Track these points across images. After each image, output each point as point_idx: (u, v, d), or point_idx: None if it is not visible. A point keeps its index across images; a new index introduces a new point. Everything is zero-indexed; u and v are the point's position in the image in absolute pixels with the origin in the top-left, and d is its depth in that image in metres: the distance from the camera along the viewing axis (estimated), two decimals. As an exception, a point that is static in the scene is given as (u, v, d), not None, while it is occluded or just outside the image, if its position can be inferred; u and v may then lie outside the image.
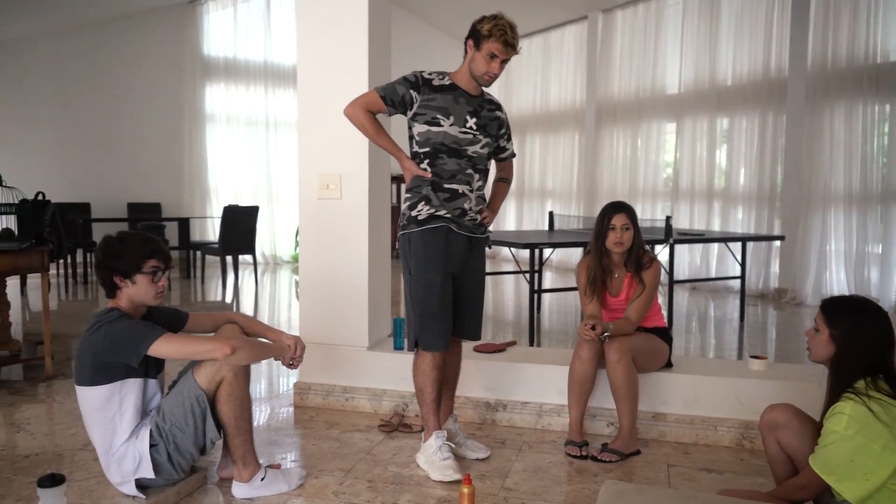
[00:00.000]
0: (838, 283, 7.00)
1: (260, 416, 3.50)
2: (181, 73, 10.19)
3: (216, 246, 8.04)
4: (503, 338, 4.91)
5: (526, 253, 5.61)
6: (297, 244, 9.82)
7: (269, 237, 10.62)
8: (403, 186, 2.84)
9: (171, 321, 2.58)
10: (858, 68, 6.69)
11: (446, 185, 2.74)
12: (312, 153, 3.57)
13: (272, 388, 4.13)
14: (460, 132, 2.73)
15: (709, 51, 8.14)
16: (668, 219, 5.74)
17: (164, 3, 9.93)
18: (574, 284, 3.50)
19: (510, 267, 9.36)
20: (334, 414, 3.51)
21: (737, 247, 6.57)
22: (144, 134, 10.07)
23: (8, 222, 4.13)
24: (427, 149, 2.74)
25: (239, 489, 2.51)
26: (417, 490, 2.60)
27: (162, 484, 2.44)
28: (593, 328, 2.92)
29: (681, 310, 6.78)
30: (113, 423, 2.37)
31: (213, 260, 9.13)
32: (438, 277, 2.72)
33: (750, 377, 3.16)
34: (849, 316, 2.04)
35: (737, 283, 6.77)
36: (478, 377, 3.41)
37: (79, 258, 8.48)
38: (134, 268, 2.36)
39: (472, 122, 2.75)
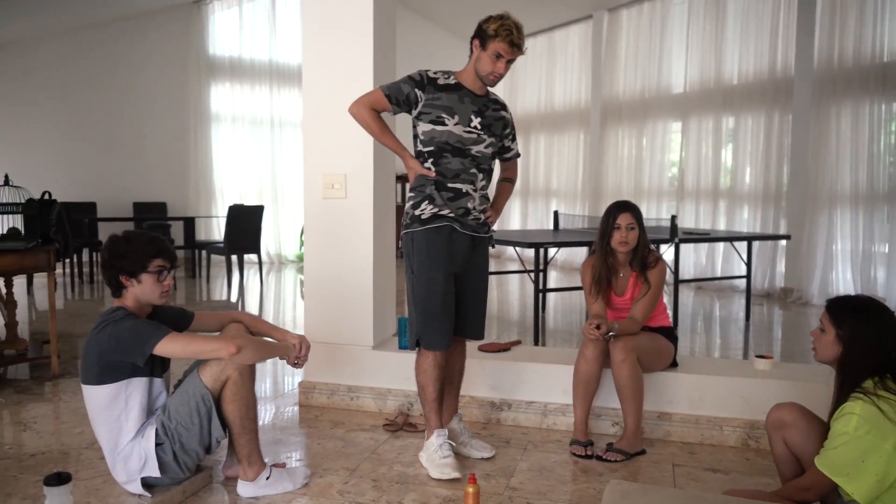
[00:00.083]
0: (844, 282, 6.97)
1: (265, 415, 3.51)
2: (186, 73, 10.22)
3: (221, 245, 8.06)
4: (508, 337, 4.91)
5: (531, 252, 5.59)
6: (301, 243, 9.85)
7: (274, 237, 10.63)
8: (408, 186, 2.84)
9: (177, 320, 2.59)
10: (865, 67, 6.66)
11: (450, 185, 2.74)
12: (317, 153, 3.58)
13: (277, 387, 4.14)
14: (465, 131, 2.73)
15: (714, 50, 8.11)
16: (673, 218, 5.73)
17: (170, 2, 9.96)
18: (579, 284, 3.49)
19: (515, 266, 9.34)
20: (339, 413, 3.51)
21: (742, 246, 6.56)
22: (150, 134, 10.10)
23: (14, 222, 4.15)
24: (431, 148, 2.74)
25: (244, 488, 2.51)
26: (422, 489, 2.60)
27: (167, 483, 2.44)
28: (598, 327, 2.92)
29: (686, 309, 6.76)
30: (119, 422, 2.37)
31: (218, 259, 9.15)
32: (441, 277, 2.72)
33: (755, 377, 3.15)
34: (855, 316, 2.03)
35: (742, 283, 6.75)
36: (482, 376, 3.41)
37: (85, 257, 8.49)
38: (139, 267, 2.37)
39: (476, 121, 2.75)
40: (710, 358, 4.84)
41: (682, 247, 6.47)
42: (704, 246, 8.14)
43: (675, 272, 5.84)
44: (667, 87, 8.82)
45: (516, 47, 2.66)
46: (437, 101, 2.71)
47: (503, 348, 3.61)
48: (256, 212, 8.16)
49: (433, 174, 2.74)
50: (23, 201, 4.09)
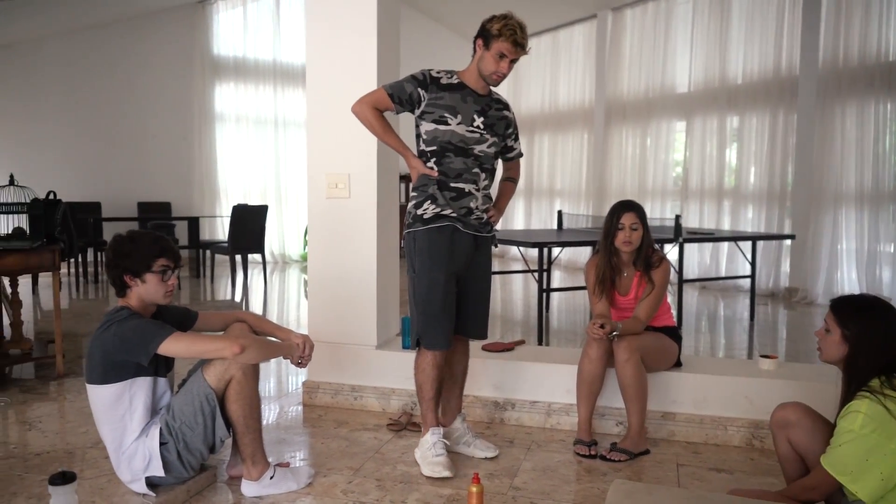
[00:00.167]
0: (849, 282, 6.95)
1: (269, 414, 3.51)
2: (191, 73, 10.23)
3: (225, 245, 8.07)
4: (512, 337, 4.91)
5: (534, 252, 5.59)
6: (305, 243, 9.87)
7: (278, 236, 10.64)
8: (411, 185, 2.84)
9: (181, 320, 2.59)
10: (870, 66, 6.64)
11: (452, 184, 2.74)
12: (321, 152, 3.58)
13: (281, 386, 4.14)
14: (467, 131, 2.73)
15: (719, 49, 8.09)
16: (677, 218, 5.72)
17: (174, 2, 9.97)
18: (583, 283, 3.49)
19: (519, 266, 9.34)
20: (343, 413, 3.51)
21: (747, 246, 6.54)
22: (154, 133, 10.12)
23: (19, 221, 4.16)
24: (434, 147, 2.74)
25: (248, 487, 2.52)
26: (426, 489, 2.60)
27: (172, 482, 2.45)
28: (602, 327, 2.91)
29: (690, 309, 6.75)
30: (123, 422, 2.38)
31: (222, 259, 9.16)
32: (442, 277, 2.72)
33: (760, 377, 3.14)
34: (861, 315, 2.02)
35: (747, 283, 6.74)
36: (486, 376, 3.40)
37: (89, 257, 8.53)
38: (144, 267, 2.37)
39: (479, 121, 2.75)
40: (714, 358, 4.84)
41: (687, 246, 6.46)
42: (708, 245, 8.12)
43: (679, 272, 5.83)
44: (671, 86, 8.80)
45: (520, 47, 2.66)
46: (440, 101, 2.71)
47: (507, 348, 3.61)
48: (260, 211, 8.17)
49: (436, 174, 2.74)
50: (28, 201, 4.11)
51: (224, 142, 10.50)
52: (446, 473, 2.67)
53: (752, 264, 6.33)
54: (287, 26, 10.49)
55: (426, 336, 2.77)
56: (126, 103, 9.93)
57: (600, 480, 2.71)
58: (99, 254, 8.44)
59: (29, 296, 6.99)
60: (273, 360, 4.22)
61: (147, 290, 2.40)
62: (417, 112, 2.76)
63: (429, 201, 2.74)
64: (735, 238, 6.53)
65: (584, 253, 8.89)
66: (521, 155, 3.04)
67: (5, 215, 4.15)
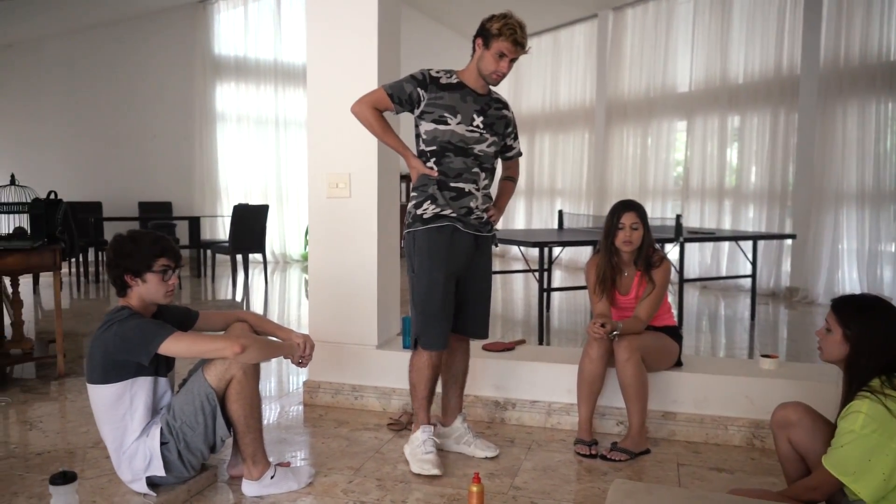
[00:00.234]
0: (850, 281, 6.94)
1: (269, 414, 3.52)
2: (192, 73, 10.23)
3: (226, 245, 8.07)
4: (512, 336, 4.90)
5: (535, 251, 5.59)
6: (306, 243, 9.86)
7: (279, 236, 10.65)
8: (411, 185, 2.84)
9: (182, 320, 2.59)
10: (871, 66, 6.63)
11: (452, 184, 2.74)
12: (322, 152, 3.58)
13: (282, 386, 4.15)
14: (467, 131, 2.73)
15: (720, 48, 8.08)
16: (678, 217, 5.72)
17: (175, 2, 9.97)
18: (583, 283, 3.48)
19: (519, 265, 9.34)
20: (343, 412, 3.52)
21: (748, 245, 6.54)
22: (155, 133, 10.12)
23: (20, 221, 4.16)
24: (434, 147, 2.74)
25: (249, 487, 2.52)
26: (426, 488, 2.60)
27: (172, 482, 2.45)
28: (603, 326, 2.91)
29: (691, 308, 6.75)
30: (124, 421, 2.38)
31: (223, 259, 9.16)
32: (441, 277, 2.72)
33: (761, 376, 3.14)
34: (862, 315, 2.02)
35: (747, 282, 6.73)
36: (487, 376, 3.40)
37: (90, 257, 8.53)
38: (144, 266, 2.38)
39: (478, 120, 2.75)
40: (715, 357, 4.83)
41: (687, 246, 6.46)
42: (709, 245, 8.12)
43: (680, 271, 5.83)
44: (672, 85, 8.79)
45: (520, 46, 2.66)
46: (439, 101, 2.71)
47: (508, 348, 3.61)
48: (261, 211, 8.17)
49: (436, 174, 2.74)
50: (29, 201, 4.11)
51: (225, 141, 10.50)
52: (435, 471, 2.67)
53: (753, 264, 6.32)
54: (288, 26, 10.50)
55: (424, 336, 2.77)
56: (127, 103, 9.94)
57: (601, 480, 2.71)
58: (100, 253, 8.45)
59: (30, 295, 7.00)
60: (274, 360, 4.24)
61: (148, 289, 2.40)
62: (417, 112, 2.76)
63: (429, 201, 2.74)
64: (736, 238, 6.53)
65: (585, 252, 8.89)
66: (520, 154, 3.04)
67: (6, 215, 4.15)
